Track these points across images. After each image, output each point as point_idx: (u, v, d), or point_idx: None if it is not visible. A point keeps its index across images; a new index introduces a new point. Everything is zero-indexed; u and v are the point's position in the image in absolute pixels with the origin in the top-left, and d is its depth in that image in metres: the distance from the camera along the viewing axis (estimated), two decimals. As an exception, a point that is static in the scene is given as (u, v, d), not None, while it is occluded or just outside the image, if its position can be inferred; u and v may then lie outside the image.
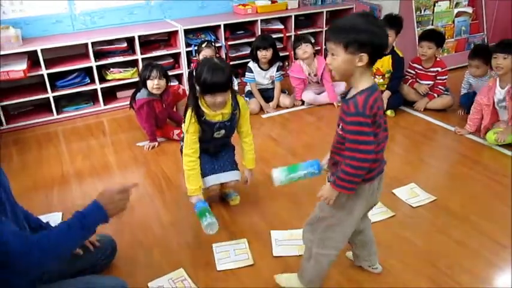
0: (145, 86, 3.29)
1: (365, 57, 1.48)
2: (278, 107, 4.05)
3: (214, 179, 2.47)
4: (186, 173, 2.34)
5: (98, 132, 3.70)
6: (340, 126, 1.60)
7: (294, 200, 2.68)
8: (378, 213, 2.50)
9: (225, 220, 2.52)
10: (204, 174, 2.43)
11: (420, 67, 3.95)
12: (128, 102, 3.52)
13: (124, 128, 3.74)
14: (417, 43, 3.89)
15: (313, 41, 4.19)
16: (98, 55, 3.91)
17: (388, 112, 3.82)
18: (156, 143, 3.38)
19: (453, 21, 4.87)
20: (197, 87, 2.25)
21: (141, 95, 3.31)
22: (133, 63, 4.08)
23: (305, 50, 3.91)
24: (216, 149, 2.53)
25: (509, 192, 2.72)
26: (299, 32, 4.65)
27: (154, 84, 3.24)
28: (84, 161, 3.22)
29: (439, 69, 3.86)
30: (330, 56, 1.55)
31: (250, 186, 2.81)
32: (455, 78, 4.38)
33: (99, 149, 3.41)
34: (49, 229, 1.72)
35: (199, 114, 2.27)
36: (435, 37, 3.78)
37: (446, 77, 3.89)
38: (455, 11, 4.87)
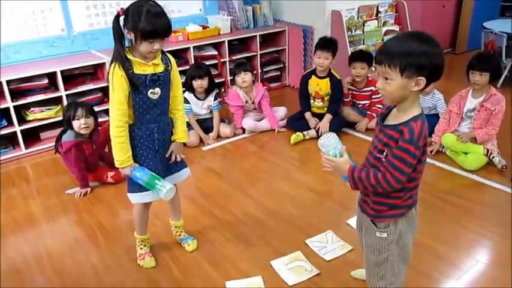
0: (70, 127, 2.98)
1: (422, 81, 1.40)
2: (218, 137, 3.87)
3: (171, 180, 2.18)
4: (113, 140, 1.98)
5: (19, 180, 3.30)
6: (385, 154, 1.50)
7: (245, 241, 2.50)
8: (336, 249, 2.39)
9: (174, 274, 2.27)
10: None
11: (354, 88, 3.96)
12: (54, 144, 3.17)
13: (50, 173, 3.37)
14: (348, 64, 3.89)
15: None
16: (15, 94, 3.52)
17: (331, 135, 3.76)
18: (88, 189, 3.06)
19: (382, 40, 4.98)
20: (128, 36, 1.90)
21: (68, 137, 2.99)
22: (56, 101, 3.72)
23: (244, 78, 3.80)
24: (161, 136, 2.10)
25: (460, 211, 2.73)
26: (233, 58, 4.54)
27: (81, 124, 2.95)
28: (5, 215, 2.82)
29: (373, 88, 3.89)
30: (383, 81, 1.44)
31: (197, 229, 2.60)
32: (390, 95, 4.44)
33: (21, 199, 3.03)
34: None
35: (126, 67, 1.92)
36: (366, 57, 3.81)
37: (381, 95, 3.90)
38: (384, 29, 4.99)
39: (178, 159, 2.23)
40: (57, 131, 3.22)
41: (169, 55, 2.11)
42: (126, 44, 1.97)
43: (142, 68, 1.95)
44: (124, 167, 2.02)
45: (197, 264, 2.33)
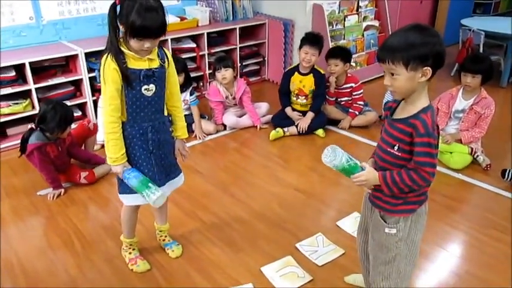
0: (41, 129, 2.78)
1: (429, 70, 1.39)
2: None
3: (166, 188, 2.07)
4: (106, 136, 1.88)
5: (-15, 180, 3.07)
6: (396, 147, 1.49)
7: (232, 246, 2.39)
8: (328, 253, 2.31)
9: (159, 283, 2.13)
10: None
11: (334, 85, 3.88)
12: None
13: (19, 172, 3.14)
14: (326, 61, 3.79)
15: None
16: (-21, 87, 3.27)
17: (320, 132, 3.69)
18: (62, 190, 2.86)
19: (363, 35, 4.93)
20: (120, 28, 1.77)
21: (32, 139, 2.76)
22: (25, 95, 3.47)
23: (224, 75, 3.66)
24: (155, 136, 1.96)
25: (444, 210, 2.72)
26: (212, 51, 4.39)
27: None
28: (-30, 221, 2.62)
29: (353, 84, 3.81)
30: (389, 77, 1.43)
31: (181, 233, 2.47)
32: (372, 90, 4.41)
33: (-13, 202, 2.81)
34: None
35: (119, 59, 1.79)
36: (340, 53, 3.70)
37: (361, 91, 3.85)
38: (364, 24, 4.94)
39: (184, 153, 2.16)
40: (26, 127, 2.98)
41: (166, 50, 1.97)
42: (121, 35, 1.82)
43: (137, 63, 1.83)
44: (117, 164, 1.90)
45: (183, 271, 2.20)
